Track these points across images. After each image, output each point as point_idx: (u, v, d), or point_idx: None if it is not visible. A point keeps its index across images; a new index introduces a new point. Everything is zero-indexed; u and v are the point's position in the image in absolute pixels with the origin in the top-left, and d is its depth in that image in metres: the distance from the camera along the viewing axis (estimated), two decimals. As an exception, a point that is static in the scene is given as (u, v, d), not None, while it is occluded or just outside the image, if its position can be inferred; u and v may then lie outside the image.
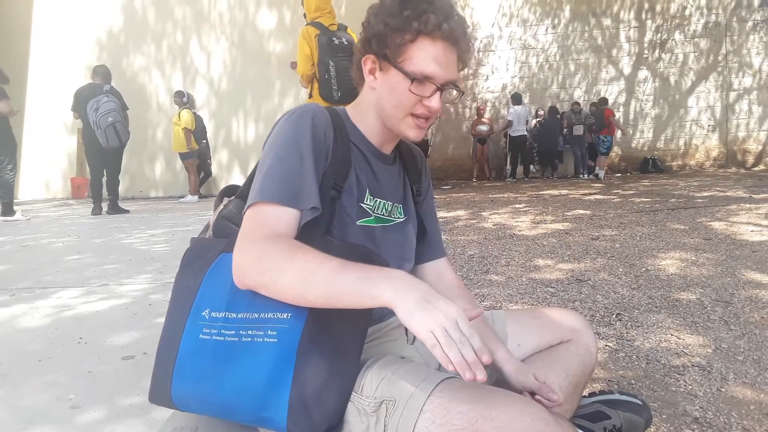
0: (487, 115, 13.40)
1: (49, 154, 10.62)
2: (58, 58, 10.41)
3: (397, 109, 1.05)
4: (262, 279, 0.87)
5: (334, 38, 4.01)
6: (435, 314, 0.76)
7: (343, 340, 0.90)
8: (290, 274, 0.85)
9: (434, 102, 1.03)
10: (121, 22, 10.43)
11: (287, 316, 0.89)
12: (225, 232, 1.08)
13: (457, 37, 1.02)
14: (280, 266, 0.86)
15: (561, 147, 12.54)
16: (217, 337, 0.91)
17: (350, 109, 1.15)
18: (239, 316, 0.92)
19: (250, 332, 0.90)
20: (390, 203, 1.15)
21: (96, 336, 2.17)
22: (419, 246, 1.25)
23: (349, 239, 1.05)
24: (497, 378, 1.08)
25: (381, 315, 1.12)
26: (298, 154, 0.99)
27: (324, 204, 1.01)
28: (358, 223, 1.07)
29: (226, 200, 1.14)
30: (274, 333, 0.89)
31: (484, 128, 12.56)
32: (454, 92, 1.09)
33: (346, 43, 4.00)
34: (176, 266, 3.01)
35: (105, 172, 7.10)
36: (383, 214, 1.13)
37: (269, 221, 0.94)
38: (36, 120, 10.58)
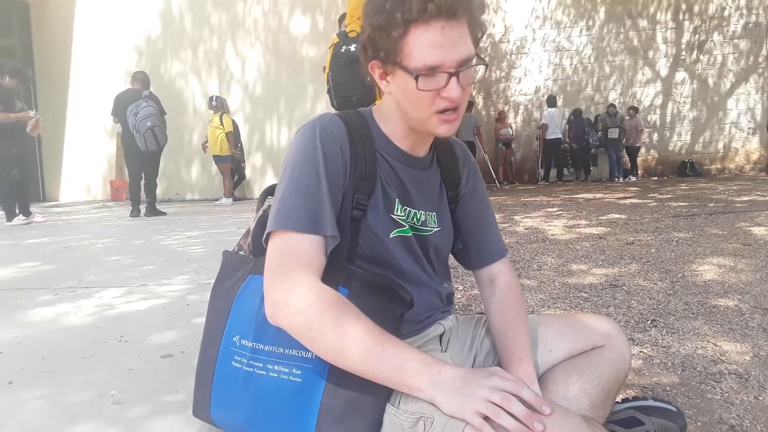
0: (519, 118, 13.36)
1: (89, 157, 10.93)
2: (99, 64, 10.71)
3: (417, 111, 0.96)
4: (298, 331, 0.86)
5: (343, 47, 4.05)
6: (474, 393, 0.80)
7: (369, 384, 0.87)
8: (328, 342, 0.84)
9: (452, 91, 0.91)
10: (159, 28, 10.68)
11: (312, 355, 0.89)
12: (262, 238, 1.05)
13: (454, 8, 0.88)
14: (320, 330, 0.84)
15: (594, 147, 12.34)
16: (247, 368, 0.93)
17: (376, 113, 1.08)
18: (266, 348, 0.93)
19: (276, 367, 0.91)
20: (422, 212, 1.09)
21: (136, 335, 2.23)
22: (469, 251, 1.22)
23: (381, 255, 1.02)
24: None
25: (416, 329, 1.11)
26: (313, 174, 0.95)
27: (346, 224, 0.98)
28: (391, 235, 1.04)
29: (267, 202, 1.11)
30: (299, 372, 0.90)
31: (509, 131, 12.60)
32: (479, 68, 0.95)
33: (352, 50, 4.02)
34: (212, 268, 3.09)
35: (143, 175, 7.27)
36: (416, 224, 1.08)
37: (296, 255, 0.90)
38: (77, 124, 10.91)
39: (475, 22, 0.93)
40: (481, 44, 0.98)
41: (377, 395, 0.90)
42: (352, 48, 4.04)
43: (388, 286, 0.97)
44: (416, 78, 0.90)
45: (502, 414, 0.77)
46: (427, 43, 0.88)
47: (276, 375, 0.91)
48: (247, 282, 1.01)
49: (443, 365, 0.85)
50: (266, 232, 0.95)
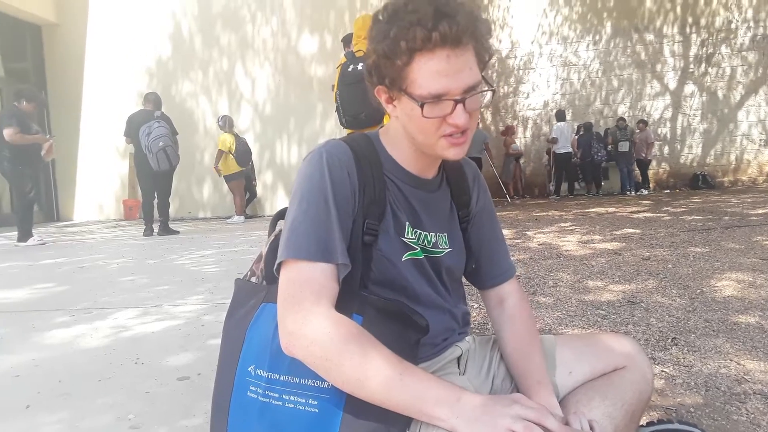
0: (528, 132, 13.39)
1: (102, 177, 11.02)
2: (110, 85, 10.84)
3: (424, 136, 0.94)
4: (313, 361, 0.85)
5: (350, 66, 4.10)
6: (496, 422, 0.78)
7: (387, 414, 0.86)
8: (346, 372, 0.83)
9: (458, 118, 0.90)
10: (169, 50, 10.81)
11: (328, 385, 0.88)
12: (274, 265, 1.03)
13: (458, 36, 0.86)
14: (336, 360, 0.83)
15: (602, 162, 12.29)
16: (263, 399, 0.92)
17: (383, 135, 1.07)
18: (281, 378, 0.91)
19: (292, 398, 0.90)
20: (433, 234, 1.07)
21: (152, 357, 2.23)
22: (480, 270, 1.20)
23: (394, 279, 1.01)
24: None
25: (433, 352, 1.09)
26: (322, 202, 0.93)
27: (358, 250, 0.97)
28: (404, 258, 1.02)
29: (278, 227, 1.10)
30: (315, 403, 0.88)
31: (518, 146, 12.71)
32: (486, 94, 0.94)
33: (360, 68, 4.07)
34: (226, 287, 3.09)
35: (156, 195, 7.32)
36: (427, 246, 1.07)
37: (308, 284, 0.89)
38: (90, 145, 11.02)
39: (482, 47, 0.92)
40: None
41: (396, 425, 0.88)
42: (359, 67, 4.08)
43: (403, 312, 0.96)
44: (421, 106, 0.89)
45: None
46: (432, 72, 0.87)
47: (292, 405, 0.90)
48: (260, 311, 0.99)
49: (464, 393, 0.83)
50: (277, 261, 0.94)
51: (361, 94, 4.10)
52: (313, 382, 0.89)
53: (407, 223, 1.03)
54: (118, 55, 10.82)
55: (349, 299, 0.93)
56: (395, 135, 1.04)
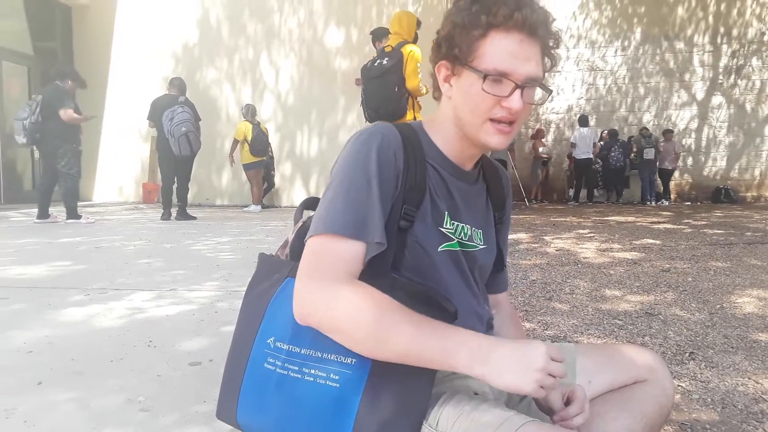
0: (551, 136, 13.29)
1: (123, 160, 11.12)
2: (137, 69, 10.92)
3: (473, 115, 0.95)
4: (331, 326, 0.85)
5: (377, 61, 4.17)
6: (527, 366, 0.79)
7: (408, 392, 0.86)
8: (363, 331, 0.82)
9: (514, 102, 0.91)
10: (196, 37, 10.87)
11: (351, 361, 0.87)
12: (302, 252, 1.01)
13: (535, 26, 0.90)
14: (352, 319, 0.83)
15: (621, 169, 12.15)
16: (281, 371, 0.91)
17: (427, 123, 1.07)
18: (302, 351, 0.90)
19: (313, 371, 0.89)
20: (469, 227, 1.07)
21: (165, 340, 2.24)
22: (490, 276, 1.20)
23: (427, 268, 1.00)
24: None
25: None
26: (364, 181, 0.93)
27: (392, 234, 0.96)
28: (440, 249, 1.01)
29: (305, 216, 1.09)
30: (337, 378, 0.87)
31: (546, 150, 12.58)
32: (540, 92, 0.97)
33: (384, 63, 4.15)
34: (241, 275, 3.09)
35: (175, 179, 7.39)
36: (463, 239, 1.06)
37: (333, 256, 0.89)
38: (113, 127, 11.12)
39: (548, 50, 0.95)
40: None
41: (413, 413, 0.87)
42: (385, 62, 4.11)
43: (432, 297, 0.94)
44: (484, 78, 0.90)
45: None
46: (503, 49, 0.90)
47: (312, 379, 0.89)
48: (284, 285, 0.99)
49: (491, 339, 0.84)
50: (308, 235, 0.93)
51: (384, 87, 4.14)
52: (336, 357, 0.88)
53: (446, 212, 1.03)
54: (146, 39, 10.90)
55: (379, 280, 0.92)
56: (442, 121, 1.04)
